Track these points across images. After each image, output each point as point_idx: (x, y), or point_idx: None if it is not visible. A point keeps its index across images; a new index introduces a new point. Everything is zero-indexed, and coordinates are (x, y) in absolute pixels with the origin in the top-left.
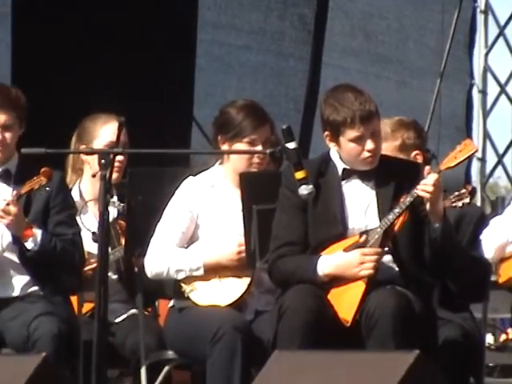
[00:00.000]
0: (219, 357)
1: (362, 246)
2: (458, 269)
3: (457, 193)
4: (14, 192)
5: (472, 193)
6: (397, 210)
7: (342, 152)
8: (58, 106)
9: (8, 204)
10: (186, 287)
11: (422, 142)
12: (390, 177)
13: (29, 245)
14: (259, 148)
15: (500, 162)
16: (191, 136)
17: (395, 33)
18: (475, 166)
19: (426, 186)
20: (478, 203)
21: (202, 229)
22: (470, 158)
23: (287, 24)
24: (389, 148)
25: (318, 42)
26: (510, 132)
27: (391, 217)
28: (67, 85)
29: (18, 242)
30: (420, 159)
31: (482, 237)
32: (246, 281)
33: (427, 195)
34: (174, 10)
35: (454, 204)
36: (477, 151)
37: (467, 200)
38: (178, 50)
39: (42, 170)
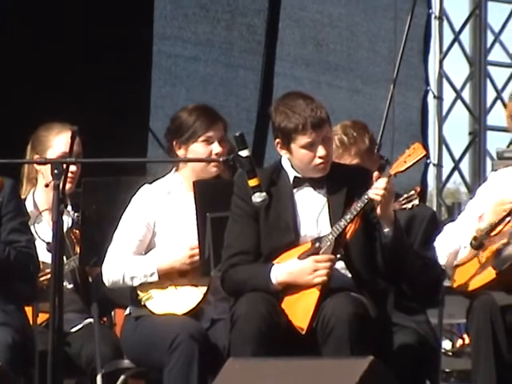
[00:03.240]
0: (176, 365)
1: (315, 253)
2: (411, 273)
3: (406, 195)
4: None
5: (421, 194)
6: (348, 216)
7: (293, 159)
8: (11, 116)
9: None
10: (142, 295)
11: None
12: (342, 184)
13: None
14: (215, 145)
15: (456, 167)
16: (147, 148)
17: (346, 41)
18: (432, 171)
19: (377, 190)
20: (435, 209)
21: (158, 236)
22: (426, 164)
23: (235, 34)
24: (359, 152)
25: (270, 52)
26: (466, 138)
27: (342, 223)
28: (21, 97)
29: None
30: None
31: (435, 243)
32: (203, 289)
33: (378, 198)
34: (131, 21)
35: (404, 206)
36: (426, 155)
37: (416, 202)
38: (133, 61)
39: None
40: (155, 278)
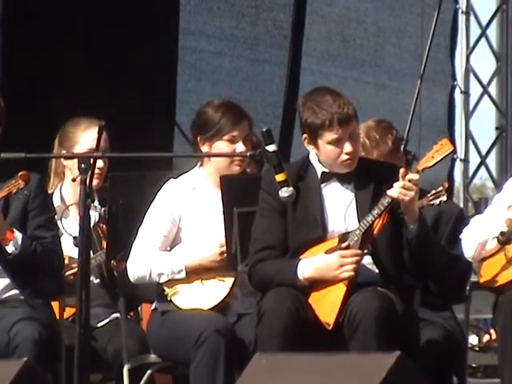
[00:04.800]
0: (202, 360)
1: (343, 248)
2: (437, 269)
3: (434, 191)
4: None
5: (449, 190)
6: (375, 212)
7: (320, 155)
8: (36, 112)
9: None
10: (168, 290)
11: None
12: (369, 179)
13: (9, 248)
14: (240, 144)
15: (483, 162)
16: (173, 142)
17: (373, 36)
18: (458, 167)
19: (395, 187)
20: (461, 204)
21: (184, 231)
22: (452, 160)
23: (261, 29)
24: (381, 154)
25: (296, 47)
26: (492, 133)
27: (370, 218)
28: (46, 92)
29: None
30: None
31: (461, 236)
32: (229, 283)
33: (395, 195)
34: (156, 16)
35: (431, 202)
36: (454, 151)
37: (444, 198)
38: (160, 56)
39: (20, 173)
40: (183, 275)
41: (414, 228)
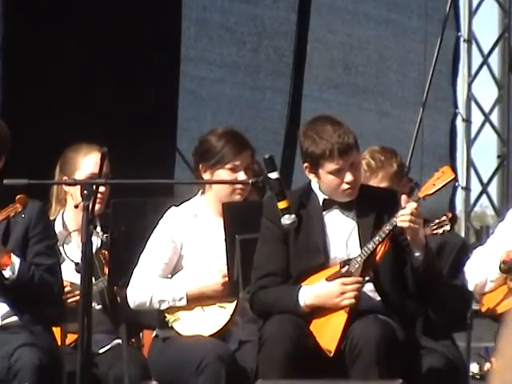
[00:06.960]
0: None
1: (344, 275)
2: (440, 298)
3: (437, 220)
4: None
5: (452, 220)
6: (376, 239)
7: (321, 184)
8: (38, 138)
9: None
10: (169, 317)
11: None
12: (370, 206)
13: (6, 273)
14: (241, 173)
15: (484, 190)
16: (174, 169)
17: (375, 64)
18: (460, 195)
19: (404, 217)
20: (463, 232)
21: (185, 259)
22: (454, 188)
23: (262, 57)
24: (387, 175)
25: (298, 74)
26: (494, 161)
27: (371, 246)
28: (48, 118)
29: None
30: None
31: (465, 268)
32: (230, 310)
33: (406, 225)
34: (158, 44)
35: (434, 232)
36: (455, 178)
37: (448, 227)
38: (161, 82)
39: (18, 197)
40: (184, 302)
41: (420, 256)
